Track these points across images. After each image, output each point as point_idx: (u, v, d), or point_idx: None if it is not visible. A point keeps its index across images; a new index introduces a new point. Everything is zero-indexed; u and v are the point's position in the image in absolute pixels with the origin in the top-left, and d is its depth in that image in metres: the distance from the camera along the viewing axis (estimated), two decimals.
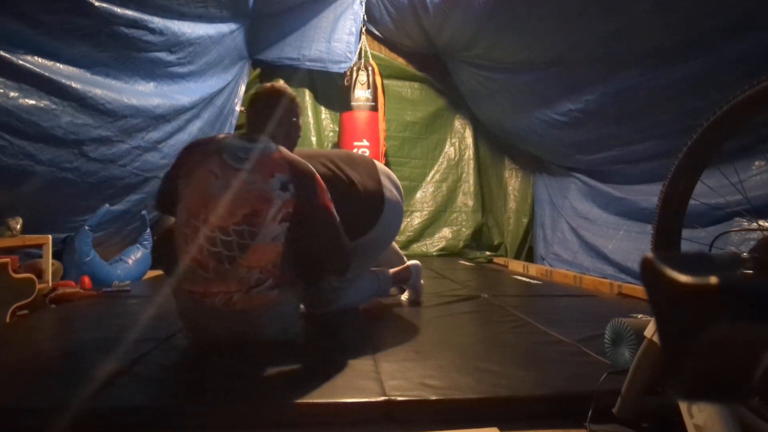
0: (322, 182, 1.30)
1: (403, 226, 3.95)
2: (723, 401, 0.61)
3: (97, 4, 1.75)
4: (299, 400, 0.93)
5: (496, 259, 3.99)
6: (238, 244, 1.17)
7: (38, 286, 1.73)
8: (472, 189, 4.31)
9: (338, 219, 1.31)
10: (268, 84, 1.44)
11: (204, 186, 1.21)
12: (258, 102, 1.38)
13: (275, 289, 1.23)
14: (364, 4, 4.04)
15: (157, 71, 2.40)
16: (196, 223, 1.19)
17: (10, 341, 1.35)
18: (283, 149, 1.30)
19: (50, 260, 1.95)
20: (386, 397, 0.93)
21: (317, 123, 4.23)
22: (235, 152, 1.23)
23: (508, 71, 3.16)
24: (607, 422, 0.87)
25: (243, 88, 3.93)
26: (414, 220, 4.19)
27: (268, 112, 1.35)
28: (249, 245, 1.18)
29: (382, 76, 3.97)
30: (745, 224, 1.74)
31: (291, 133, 1.42)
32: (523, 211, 4.17)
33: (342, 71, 3.89)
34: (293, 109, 1.42)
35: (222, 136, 1.31)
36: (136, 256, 2.65)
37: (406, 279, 1.88)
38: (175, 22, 2.32)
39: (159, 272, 2.82)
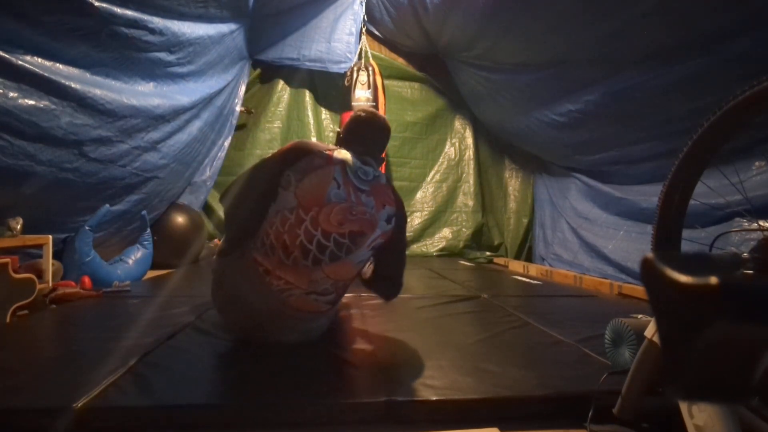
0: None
1: None
2: (723, 401, 0.61)
3: (97, 4, 1.75)
4: (299, 400, 0.93)
5: (496, 260, 3.99)
6: (332, 253, 1.22)
7: (38, 287, 1.73)
8: (472, 189, 4.31)
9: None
10: (372, 110, 1.47)
11: (324, 188, 1.23)
12: (368, 126, 1.39)
13: (330, 305, 1.30)
14: (364, 4, 4.04)
15: (157, 71, 2.41)
16: (303, 215, 1.21)
17: (10, 341, 1.35)
18: (390, 183, 1.38)
19: (50, 260, 1.94)
20: (386, 397, 0.93)
21: (317, 123, 4.23)
22: (356, 171, 1.28)
23: (508, 72, 3.16)
24: (607, 422, 0.87)
25: (243, 88, 3.93)
26: (414, 221, 4.19)
27: (377, 140, 1.40)
28: (340, 258, 1.23)
29: (383, 77, 3.97)
30: (746, 224, 1.74)
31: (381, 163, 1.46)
32: (523, 211, 4.17)
33: (342, 71, 3.89)
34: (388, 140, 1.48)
35: (336, 149, 1.31)
36: (136, 256, 2.65)
37: None
38: (175, 22, 2.32)
39: (159, 272, 2.83)
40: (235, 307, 1.27)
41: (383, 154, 1.47)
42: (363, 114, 1.41)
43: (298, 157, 1.26)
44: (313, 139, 4.16)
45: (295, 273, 1.20)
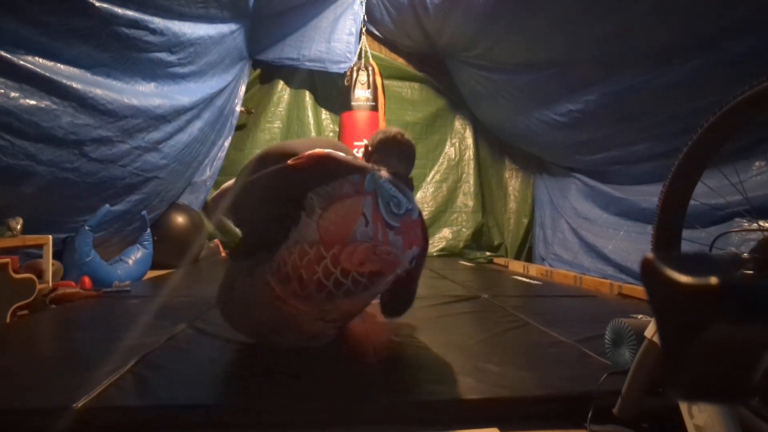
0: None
1: None
2: (723, 402, 0.61)
3: (97, 4, 1.76)
4: (299, 401, 0.93)
5: (496, 260, 3.99)
6: (347, 290, 1.14)
7: (38, 287, 1.73)
8: (472, 189, 4.31)
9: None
10: (401, 132, 1.37)
11: (351, 224, 1.13)
12: (398, 146, 1.31)
13: (336, 329, 1.25)
14: (364, 4, 4.04)
15: (157, 71, 2.41)
16: (324, 252, 1.12)
17: (10, 341, 1.35)
18: (421, 216, 1.30)
19: (50, 260, 1.95)
20: (386, 398, 0.93)
21: (317, 123, 4.23)
22: (388, 202, 1.18)
23: (509, 72, 3.16)
24: (607, 423, 0.87)
25: (243, 88, 3.94)
26: None
27: (409, 163, 1.33)
28: (355, 295, 1.16)
29: (382, 77, 3.97)
30: (746, 224, 1.74)
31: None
32: (524, 211, 4.18)
33: (342, 71, 3.89)
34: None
35: (371, 168, 1.21)
36: (137, 256, 2.65)
37: None
38: (176, 22, 2.33)
39: (159, 272, 2.83)
40: (241, 316, 1.23)
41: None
42: (394, 131, 1.34)
43: (326, 178, 1.14)
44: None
45: (308, 304, 1.14)
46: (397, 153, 1.31)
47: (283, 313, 1.15)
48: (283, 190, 1.17)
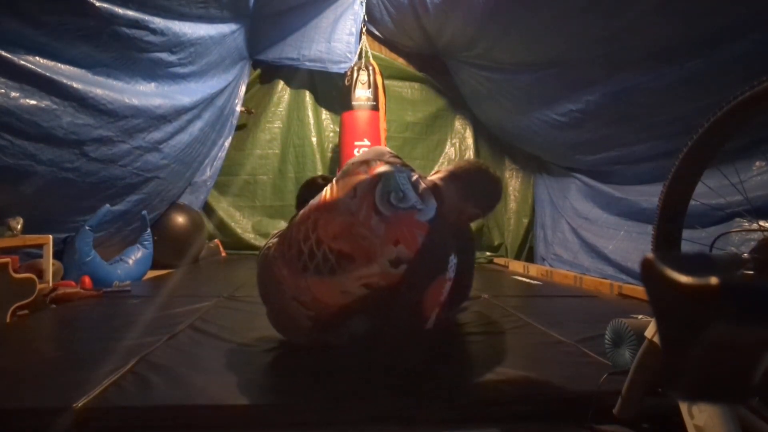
0: (444, 286, 1.08)
1: None
2: (723, 402, 0.61)
3: (98, 4, 1.76)
4: (299, 401, 0.93)
5: (496, 260, 3.99)
6: (317, 266, 1.09)
7: (39, 286, 1.73)
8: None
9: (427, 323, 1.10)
10: (487, 170, 1.26)
11: (341, 195, 1.12)
12: (475, 176, 1.22)
13: (310, 322, 1.14)
14: (364, 4, 4.04)
15: (158, 71, 2.41)
16: (311, 213, 1.14)
17: (10, 341, 1.35)
18: (441, 226, 1.09)
19: (51, 260, 1.95)
20: (386, 398, 0.93)
21: (317, 123, 4.23)
22: (389, 191, 1.08)
23: (509, 71, 3.16)
24: (607, 423, 0.87)
25: (243, 88, 3.94)
26: None
27: (479, 195, 1.20)
28: (323, 275, 1.08)
29: (383, 77, 3.97)
30: (746, 225, 1.74)
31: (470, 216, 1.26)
32: (524, 211, 4.17)
33: (342, 71, 3.89)
34: (493, 204, 1.28)
35: (399, 163, 1.17)
36: (137, 256, 2.65)
37: None
38: (176, 22, 2.33)
39: (159, 272, 2.83)
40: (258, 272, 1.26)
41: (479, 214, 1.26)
42: (476, 166, 1.25)
43: (361, 157, 1.20)
44: (314, 140, 4.16)
45: (288, 269, 1.13)
46: (472, 190, 1.20)
47: (273, 277, 1.16)
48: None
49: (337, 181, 1.17)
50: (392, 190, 1.08)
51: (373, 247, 1.05)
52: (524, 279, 2.91)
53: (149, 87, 2.36)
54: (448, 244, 1.10)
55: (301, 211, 1.19)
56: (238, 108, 3.89)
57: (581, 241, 3.08)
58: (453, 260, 1.10)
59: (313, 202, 1.17)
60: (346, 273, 1.07)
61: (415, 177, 1.15)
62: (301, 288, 1.11)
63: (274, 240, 1.24)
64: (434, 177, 1.22)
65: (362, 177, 1.13)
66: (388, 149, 1.24)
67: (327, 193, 1.16)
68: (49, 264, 1.93)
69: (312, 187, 1.26)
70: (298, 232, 1.14)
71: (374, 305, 1.11)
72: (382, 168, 1.13)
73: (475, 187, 1.21)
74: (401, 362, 1.13)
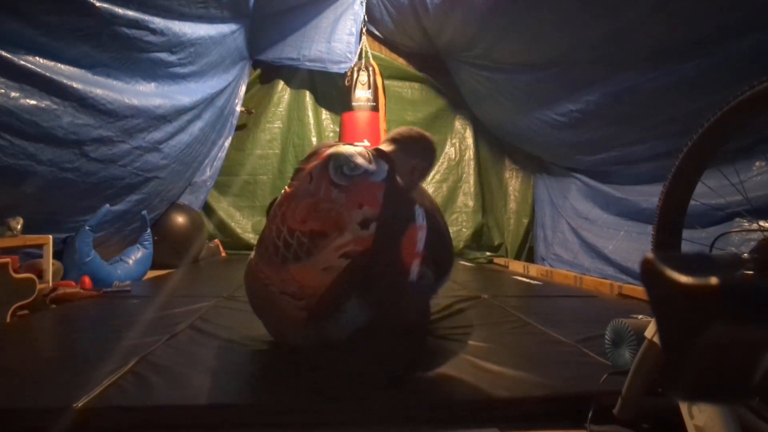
0: (417, 235, 1.16)
1: None
2: (723, 402, 0.61)
3: (98, 4, 1.76)
4: (298, 401, 0.93)
5: (496, 260, 3.99)
6: (295, 253, 1.12)
7: (39, 286, 1.73)
8: (472, 189, 4.31)
9: (417, 279, 1.16)
10: (418, 130, 1.40)
11: (299, 183, 1.18)
12: (411, 136, 1.35)
13: (304, 312, 1.14)
14: (364, 4, 4.04)
15: (158, 72, 2.41)
16: (278, 209, 1.19)
17: (10, 341, 1.35)
18: (397, 182, 1.18)
19: (51, 260, 1.95)
20: (386, 398, 0.93)
21: (317, 123, 4.23)
22: (341, 164, 1.15)
23: (509, 71, 3.16)
24: (607, 423, 0.87)
25: (243, 88, 3.94)
26: None
27: (425, 155, 1.33)
28: (302, 259, 1.12)
29: (383, 77, 3.97)
30: (746, 225, 1.74)
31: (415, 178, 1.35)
32: (524, 211, 4.17)
33: (342, 71, 3.89)
34: (432, 157, 1.39)
35: (343, 144, 1.24)
36: (137, 256, 2.65)
37: None
38: (176, 22, 2.33)
39: (159, 272, 2.83)
40: (246, 287, 1.29)
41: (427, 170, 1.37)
42: (409, 129, 1.38)
43: (316, 149, 1.26)
44: (314, 140, 4.16)
45: (270, 268, 1.16)
46: (411, 148, 1.32)
47: (258, 281, 1.19)
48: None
49: (292, 179, 1.24)
50: (343, 163, 1.15)
51: (341, 216, 1.11)
52: (524, 279, 2.91)
53: (149, 87, 2.36)
54: (408, 197, 1.21)
55: (272, 211, 1.24)
56: (238, 108, 3.89)
57: (581, 241, 3.08)
58: (419, 210, 1.18)
59: (276, 202, 1.24)
60: (322, 249, 1.11)
61: (360, 148, 1.21)
62: (286, 281, 1.14)
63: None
64: (378, 146, 1.31)
65: (313, 164, 1.19)
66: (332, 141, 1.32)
67: (286, 189, 1.23)
68: (49, 264, 1.93)
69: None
70: (270, 231, 1.19)
71: (358, 276, 1.14)
72: (329, 150, 1.20)
73: (415, 145, 1.34)
74: (399, 351, 1.15)
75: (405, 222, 1.15)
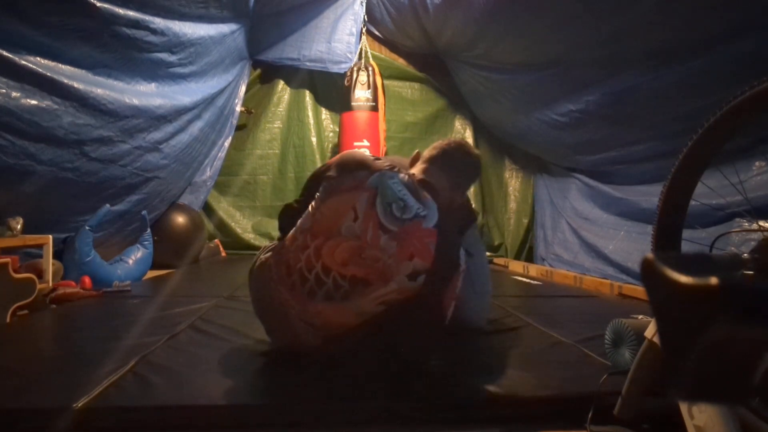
0: (456, 283, 1.09)
1: None
2: (724, 402, 0.61)
3: (98, 5, 1.76)
4: (298, 401, 0.93)
5: (496, 260, 3.99)
6: (327, 292, 1.04)
7: (39, 286, 1.73)
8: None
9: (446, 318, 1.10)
10: (465, 142, 1.26)
11: (340, 217, 1.05)
12: (455, 155, 1.19)
13: (320, 340, 1.09)
14: (364, 4, 4.04)
15: (158, 72, 2.41)
16: (309, 241, 1.07)
17: (10, 341, 1.35)
18: (447, 227, 1.08)
19: (51, 260, 1.95)
20: (386, 398, 0.93)
21: (317, 123, 4.23)
22: (390, 203, 1.04)
23: (509, 72, 3.16)
24: (607, 423, 0.87)
25: (243, 88, 3.94)
26: None
27: (467, 173, 1.19)
28: (335, 300, 1.04)
29: (383, 77, 3.97)
30: (746, 225, 1.74)
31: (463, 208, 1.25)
32: (524, 211, 4.17)
33: (342, 72, 3.89)
34: (476, 177, 1.26)
35: (387, 166, 1.12)
36: (137, 256, 2.65)
37: None
38: (176, 22, 2.33)
39: (159, 272, 2.83)
40: (253, 297, 1.23)
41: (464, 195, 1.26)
42: (453, 141, 1.23)
43: (340, 171, 1.11)
44: (313, 140, 4.16)
45: (293, 295, 1.08)
46: (451, 165, 1.18)
47: (273, 298, 1.10)
48: (310, 186, 1.18)
49: (323, 201, 1.10)
50: (392, 201, 1.05)
51: (388, 268, 1.02)
52: (524, 279, 2.91)
53: (150, 87, 2.36)
54: (457, 242, 1.10)
55: (291, 234, 1.11)
56: (238, 108, 3.89)
57: (581, 241, 3.08)
58: (463, 254, 1.09)
59: (304, 226, 1.09)
60: (361, 296, 1.04)
61: (406, 178, 1.11)
62: (310, 312, 1.06)
63: (267, 255, 1.15)
64: (418, 170, 1.19)
65: (353, 193, 1.08)
66: (361, 152, 1.20)
67: (317, 215, 1.09)
68: (49, 264, 1.93)
69: (290, 213, 1.19)
70: (296, 259, 1.07)
71: (391, 318, 1.07)
72: (372, 179, 1.08)
73: (456, 164, 1.19)
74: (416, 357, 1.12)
75: (453, 272, 1.07)
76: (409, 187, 1.08)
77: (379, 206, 1.04)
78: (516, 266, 3.49)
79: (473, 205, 1.35)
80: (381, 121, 3.87)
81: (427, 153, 1.22)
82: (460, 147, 1.23)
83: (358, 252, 1.03)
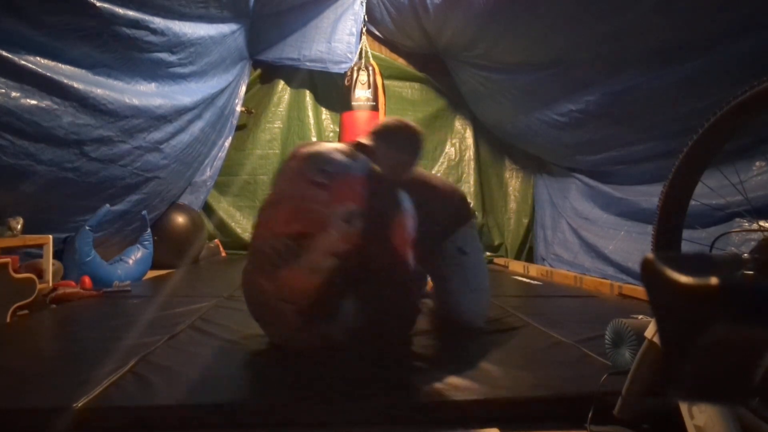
0: (406, 221, 1.17)
1: None
2: (723, 402, 0.61)
3: (98, 4, 1.76)
4: (299, 401, 0.93)
5: (496, 260, 3.99)
6: (283, 257, 1.11)
7: (39, 286, 1.73)
8: (472, 190, 4.30)
9: (412, 269, 1.18)
10: (402, 120, 1.41)
11: (280, 186, 1.20)
12: (394, 127, 1.36)
13: (299, 316, 1.13)
14: (364, 4, 4.04)
15: (158, 72, 2.41)
16: (261, 218, 1.21)
17: (10, 341, 1.35)
18: (378, 173, 1.18)
19: (51, 260, 1.95)
20: (386, 398, 0.93)
21: (318, 123, 4.23)
22: (321, 163, 1.15)
23: (509, 72, 3.16)
24: (607, 423, 0.87)
25: (243, 88, 3.94)
26: None
27: (409, 149, 1.32)
28: (289, 263, 1.11)
29: (383, 77, 3.97)
30: (746, 225, 1.74)
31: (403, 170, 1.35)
32: (524, 211, 4.17)
33: (342, 71, 3.89)
34: (418, 148, 1.38)
35: (322, 143, 1.25)
36: (137, 256, 2.65)
37: None
38: (176, 22, 2.33)
39: (159, 272, 2.83)
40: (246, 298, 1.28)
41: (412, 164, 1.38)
42: (396, 120, 1.40)
43: (291, 155, 1.25)
44: (314, 140, 4.16)
45: (263, 276, 1.15)
46: (395, 140, 1.31)
47: (255, 290, 1.19)
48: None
49: (272, 183, 1.26)
50: (321, 162, 1.15)
51: (324, 215, 1.10)
52: (524, 279, 2.91)
53: (150, 87, 2.36)
54: (391, 186, 1.20)
55: (255, 224, 1.25)
56: (238, 108, 3.89)
57: (581, 241, 3.08)
58: (404, 196, 1.18)
59: (260, 209, 1.24)
60: (308, 250, 1.10)
61: (338, 145, 1.23)
62: (279, 286, 1.12)
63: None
64: (364, 140, 1.31)
65: (293, 162, 1.20)
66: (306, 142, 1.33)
67: (267, 196, 1.24)
68: (49, 264, 1.93)
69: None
70: (257, 239, 1.19)
71: (350, 275, 1.13)
72: (306, 150, 1.21)
73: (399, 137, 1.33)
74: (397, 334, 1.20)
75: (391, 212, 1.16)
76: (340, 150, 1.19)
77: (310, 166, 1.15)
78: (516, 266, 3.49)
79: (471, 205, 1.41)
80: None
81: (373, 127, 1.37)
82: (401, 122, 1.40)
83: (295, 210, 1.13)
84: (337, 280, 1.12)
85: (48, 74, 1.70)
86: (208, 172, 3.70)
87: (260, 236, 1.18)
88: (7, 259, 1.62)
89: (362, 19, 4.04)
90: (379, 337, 1.25)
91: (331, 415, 0.91)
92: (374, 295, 1.18)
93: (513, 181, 4.32)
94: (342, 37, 3.93)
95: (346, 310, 1.18)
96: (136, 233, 2.81)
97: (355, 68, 3.84)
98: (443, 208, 1.39)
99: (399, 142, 1.33)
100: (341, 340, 1.19)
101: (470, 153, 4.37)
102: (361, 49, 4.03)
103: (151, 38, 2.14)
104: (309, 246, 1.10)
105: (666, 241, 0.96)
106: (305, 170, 1.15)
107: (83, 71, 1.91)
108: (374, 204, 1.13)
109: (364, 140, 1.30)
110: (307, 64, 3.98)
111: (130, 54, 2.11)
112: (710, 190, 1.04)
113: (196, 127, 2.97)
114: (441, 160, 4.35)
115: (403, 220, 1.17)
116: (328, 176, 1.12)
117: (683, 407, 0.71)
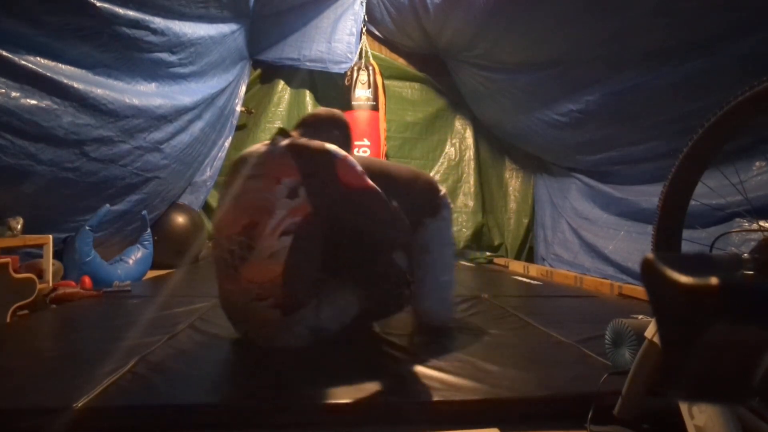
0: (348, 159, 1.17)
1: None
2: (723, 402, 0.61)
3: (98, 4, 1.76)
4: (299, 400, 0.93)
5: (496, 260, 3.99)
6: (239, 255, 1.14)
7: (39, 286, 1.73)
8: (472, 190, 4.31)
9: (382, 197, 1.17)
10: (324, 109, 1.50)
11: (225, 194, 1.25)
12: (319, 114, 1.45)
13: (277, 309, 1.14)
14: (364, 4, 4.04)
15: (158, 72, 2.41)
16: (215, 228, 1.29)
17: (10, 341, 1.35)
18: (299, 141, 1.19)
19: (51, 260, 1.95)
20: (386, 398, 0.93)
21: None
22: (247, 161, 1.23)
23: (509, 71, 3.16)
24: (607, 423, 0.87)
25: (243, 88, 3.94)
26: None
27: (333, 129, 1.38)
28: (246, 259, 1.12)
29: (383, 77, 3.97)
30: (746, 225, 1.74)
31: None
32: (524, 211, 4.17)
33: (342, 72, 3.89)
34: (344, 127, 1.43)
35: (258, 144, 1.31)
36: (137, 256, 2.65)
37: None
38: (177, 22, 2.33)
39: (159, 272, 2.83)
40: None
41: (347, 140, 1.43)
42: (323, 109, 1.49)
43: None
44: None
45: (229, 282, 1.20)
46: (321, 127, 1.36)
47: (228, 301, 1.25)
48: None
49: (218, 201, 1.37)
50: (246, 159, 1.23)
51: (266, 200, 1.12)
52: (524, 279, 2.91)
53: (150, 87, 2.36)
54: (314, 145, 1.19)
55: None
56: (238, 108, 3.89)
57: (581, 241, 3.08)
58: (332, 147, 1.20)
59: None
60: (259, 238, 1.11)
61: (262, 143, 1.27)
62: (245, 286, 1.14)
63: None
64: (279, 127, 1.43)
65: (235, 172, 1.26)
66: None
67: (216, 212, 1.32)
68: (49, 264, 1.93)
69: None
70: (215, 249, 1.27)
71: (312, 243, 1.14)
72: (234, 159, 1.30)
73: (325, 123, 1.39)
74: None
75: (328, 166, 1.16)
76: (263, 143, 1.25)
77: (245, 164, 1.21)
78: (516, 266, 3.49)
79: (443, 193, 1.46)
80: (382, 120, 3.87)
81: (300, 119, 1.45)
82: (326, 110, 1.48)
83: (234, 205, 1.18)
84: (302, 261, 1.12)
85: (48, 74, 1.70)
86: (208, 172, 3.70)
87: (216, 245, 1.25)
88: (7, 259, 1.62)
89: (362, 19, 4.04)
90: (369, 312, 1.28)
91: (332, 415, 0.91)
92: (349, 255, 1.18)
93: (513, 181, 4.32)
94: (342, 37, 3.93)
95: (325, 291, 1.19)
96: (136, 233, 2.81)
97: (355, 68, 3.84)
98: (406, 202, 1.31)
99: (327, 126, 1.39)
100: (329, 330, 1.20)
101: (470, 153, 4.37)
102: (361, 49, 4.03)
103: (151, 38, 2.14)
104: (258, 234, 1.11)
105: (666, 241, 0.96)
106: (237, 173, 1.22)
107: (83, 71, 1.91)
108: (308, 168, 1.14)
109: (292, 131, 1.34)
110: (307, 64, 3.98)
111: (130, 54, 2.11)
112: (710, 190, 1.04)
113: (196, 127, 2.97)
114: (441, 160, 4.35)
115: (343, 163, 1.17)
116: (256, 167, 1.19)
117: (683, 407, 0.71)
